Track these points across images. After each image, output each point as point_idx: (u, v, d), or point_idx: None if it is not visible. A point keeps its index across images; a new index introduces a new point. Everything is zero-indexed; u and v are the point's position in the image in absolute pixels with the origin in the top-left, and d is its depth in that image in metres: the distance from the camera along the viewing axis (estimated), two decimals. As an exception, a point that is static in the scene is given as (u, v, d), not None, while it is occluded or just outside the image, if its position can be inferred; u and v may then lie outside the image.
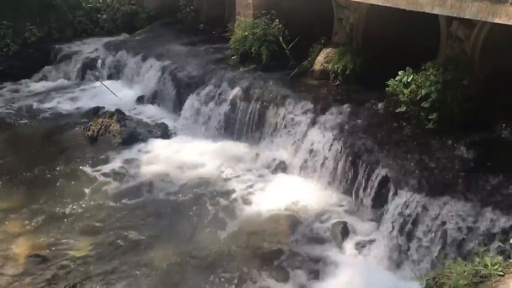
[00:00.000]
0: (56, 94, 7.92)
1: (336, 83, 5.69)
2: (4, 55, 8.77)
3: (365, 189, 4.26)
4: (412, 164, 4.08)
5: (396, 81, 4.65)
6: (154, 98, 7.17)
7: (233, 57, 6.82)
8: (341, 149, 4.58)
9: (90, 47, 9.01)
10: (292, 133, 5.19)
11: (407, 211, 3.78)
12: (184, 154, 5.69)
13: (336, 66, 5.62)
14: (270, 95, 5.70)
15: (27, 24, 9.02)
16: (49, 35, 9.30)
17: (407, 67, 4.64)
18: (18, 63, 8.71)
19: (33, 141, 6.39)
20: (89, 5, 10.25)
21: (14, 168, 5.57)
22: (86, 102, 7.43)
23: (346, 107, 5.06)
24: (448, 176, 3.88)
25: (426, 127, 4.52)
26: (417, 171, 3.99)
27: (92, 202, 4.89)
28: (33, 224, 4.56)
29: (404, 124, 4.66)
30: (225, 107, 6.01)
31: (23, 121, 6.96)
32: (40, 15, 9.30)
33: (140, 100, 7.25)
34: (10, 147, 6.19)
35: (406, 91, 4.56)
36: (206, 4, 9.04)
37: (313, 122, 5.01)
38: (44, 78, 8.66)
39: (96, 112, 6.90)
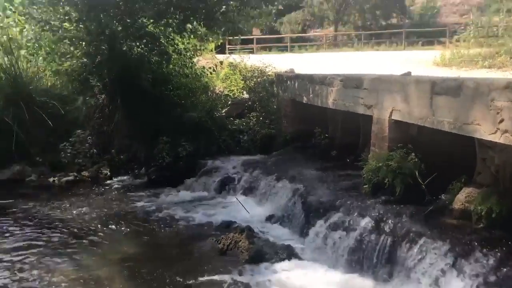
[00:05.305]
0: (195, 204, 8.64)
1: (479, 226, 5.23)
2: (158, 165, 10.10)
3: None
4: None
5: (555, 233, 4.13)
6: (283, 218, 7.37)
7: (365, 186, 6.82)
8: (486, 303, 4.06)
9: (230, 164, 9.89)
10: (426, 276, 4.79)
11: None
12: (307, 281, 5.57)
13: (479, 208, 5.22)
14: (402, 230, 5.46)
15: (181, 140, 10.37)
16: (197, 151, 10.48)
17: None
18: (168, 174, 9.92)
19: (167, 247, 6.91)
20: (234, 127, 11.53)
21: (146, 272, 6.00)
22: (220, 215, 7.93)
23: (491, 255, 4.55)
24: None
25: None
26: None
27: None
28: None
29: None
30: (353, 237, 5.88)
31: (161, 227, 7.64)
32: (193, 133, 10.66)
33: (269, 219, 7.51)
34: (146, 252, 6.74)
35: None
36: (341, 132, 9.44)
37: (453, 267, 4.58)
38: (187, 189, 9.62)
39: (228, 226, 7.30)
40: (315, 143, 9.92)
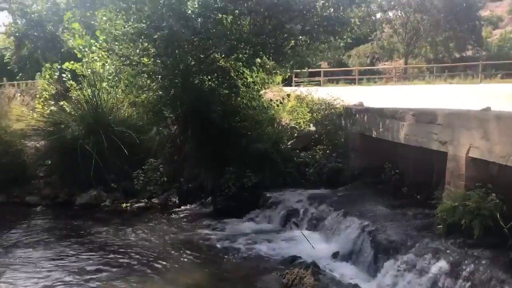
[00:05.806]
0: (259, 236, 8.58)
1: None
2: (224, 195, 10.25)
3: None
4: None
5: None
6: (349, 256, 7.10)
7: (439, 227, 6.43)
8: None
9: (295, 197, 9.77)
10: (511, 330, 4.36)
11: None
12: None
13: None
14: (483, 276, 5.04)
15: (247, 171, 10.46)
16: (263, 182, 10.52)
17: None
18: (234, 204, 10.02)
19: (231, 278, 6.90)
20: (300, 159, 11.46)
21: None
22: (284, 249, 7.81)
23: None
24: None
25: None
26: None
27: None
28: None
29: None
30: (426, 280, 5.51)
31: (226, 257, 7.66)
32: (259, 164, 10.73)
33: (335, 255, 7.26)
34: (210, 282, 6.79)
35: None
36: (412, 168, 9.04)
37: (543, 323, 4.14)
38: (252, 220, 9.63)
39: (292, 261, 7.15)
40: (385, 178, 9.56)
